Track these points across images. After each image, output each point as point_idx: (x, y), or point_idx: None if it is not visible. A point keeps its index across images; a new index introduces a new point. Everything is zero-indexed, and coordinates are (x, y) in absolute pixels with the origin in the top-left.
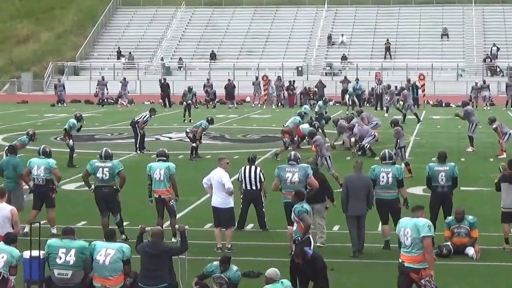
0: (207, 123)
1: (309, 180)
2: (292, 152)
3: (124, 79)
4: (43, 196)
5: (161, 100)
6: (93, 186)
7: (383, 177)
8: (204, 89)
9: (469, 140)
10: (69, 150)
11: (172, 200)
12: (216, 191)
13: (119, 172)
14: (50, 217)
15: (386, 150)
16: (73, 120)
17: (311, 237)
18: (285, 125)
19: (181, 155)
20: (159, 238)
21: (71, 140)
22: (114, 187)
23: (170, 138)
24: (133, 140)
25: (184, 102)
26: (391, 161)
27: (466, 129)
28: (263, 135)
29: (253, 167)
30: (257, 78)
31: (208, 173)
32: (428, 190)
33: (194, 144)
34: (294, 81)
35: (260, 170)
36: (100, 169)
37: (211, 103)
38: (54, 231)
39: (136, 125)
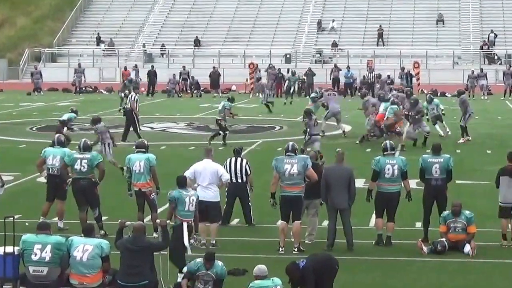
0: (229, 102)
1: (308, 172)
2: (290, 143)
3: (136, 66)
4: (57, 187)
5: (143, 89)
6: (70, 179)
7: (388, 169)
8: (180, 77)
9: (462, 131)
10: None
11: (153, 194)
12: (206, 184)
13: (98, 164)
14: (59, 209)
15: (387, 141)
16: (73, 114)
17: None
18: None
19: (163, 146)
20: (141, 233)
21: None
22: (93, 180)
23: (152, 128)
24: (117, 130)
25: (122, 94)
26: (393, 152)
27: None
28: (249, 125)
29: (239, 159)
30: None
31: (191, 165)
32: (422, 183)
33: (225, 132)
34: (279, 69)
35: (246, 162)
36: (79, 161)
37: (188, 92)
38: (61, 224)
39: (132, 111)
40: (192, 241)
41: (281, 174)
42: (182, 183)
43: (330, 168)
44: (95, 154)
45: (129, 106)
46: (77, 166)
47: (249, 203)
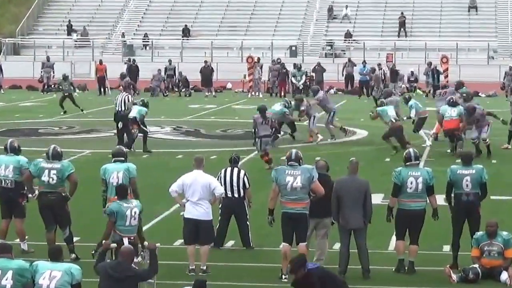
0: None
1: (313, 186)
2: (293, 151)
3: (130, 60)
4: (12, 202)
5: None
6: (36, 192)
7: (411, 183)
8: (165, 73)
9: (509, 136)
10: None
11: None
12: (196, 199)
13: (69, 175)
14: (19, 229)
15: (411, 149)
16: (144, 109)
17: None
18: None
19: (145, 154)
20: (127, 260)
21: (137, 130)
22: (63, 194)
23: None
24: (86, 136)
25: (62, 93)
26: (417, 162)
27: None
28: (248, 130)
29: (235, 170)
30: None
31: (178, 177)
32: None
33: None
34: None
35: (244, 174)
36: (46, 171)
37: (175, 90)
38: (24, 246)
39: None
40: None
41: (282, 187)
42: (122, 193)
43: (342, 181)
44: (66, 164)
45: (122, 109)
46: (44, 178)
47: (247, 222)
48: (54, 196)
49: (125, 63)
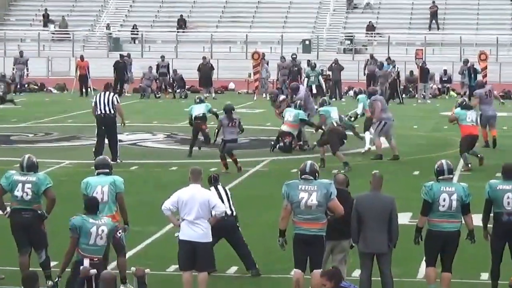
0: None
1: (332, 204)
2: (308, 162)
3: (128, 55)
4: None
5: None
6: (8, 209)
7: (444, 200)
8: (158, 71)
9: None
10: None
11: (120, 230)
12: (193, 218)
13: (46, 190)
14: None
15: (444, 161)
16: (207, 104)
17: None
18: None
19: (134, 166)
20: (110, 287)
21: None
22: (39, 212)
23: (120, 141)
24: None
25: None
26: (451, 176)
27: None
28: (252, 138)
29: (220, 189)
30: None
31: (172, 192)
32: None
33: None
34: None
35: (227, 192)
36: (20, 185)
37: (169, 91)
38: None
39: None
40: None
41: (295, 205)
42: (91, 207)
43: (364, 198)
44: (43, 177)
45: (110, 111)
46: (17, 193)
47: (244, 242)
48: (29, 214)
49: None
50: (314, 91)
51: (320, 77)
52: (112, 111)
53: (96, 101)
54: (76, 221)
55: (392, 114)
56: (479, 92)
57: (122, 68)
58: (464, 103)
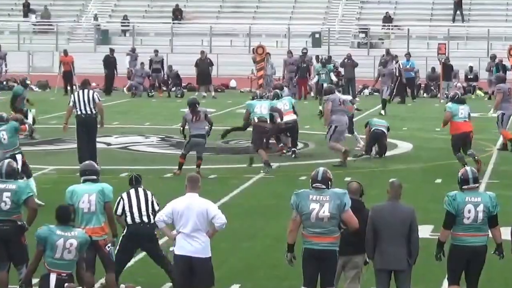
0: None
1: (346, 215)
2: (320, 170)
3: (133, 50)
4: None
5: (95, 84)
6: None
7: (469, 212)
8: (150, 67)
9: None
10: None
11: (109, 244)
12: (189, 231)
13: (27, 199)
14: None
15: (469, 168)
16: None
17: None
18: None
19: (124, 172)
20: None
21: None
22: (19, 223)
23: (108, 144)
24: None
25: None
26: (477, 185)
27: None
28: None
29: (141, 191)
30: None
31: (167, 201)
32: None
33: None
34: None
35: (153, 195)
36: None
37: (163, 89)
38: None
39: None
40: None
41: (305, 216)
42: (62, 217)
43: (380, 209)
44: (23, 185)
45: (90, 111)
46: None
47: (162, 252)
48: (8, 226)
49: (128, 54)
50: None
51: (332, 74)
52: (94, 111)
53: (74, 100)
54: (42, 231)
55: (344, 117)
56: (504, 87)
57: (112, 63)
58: (457, 96)
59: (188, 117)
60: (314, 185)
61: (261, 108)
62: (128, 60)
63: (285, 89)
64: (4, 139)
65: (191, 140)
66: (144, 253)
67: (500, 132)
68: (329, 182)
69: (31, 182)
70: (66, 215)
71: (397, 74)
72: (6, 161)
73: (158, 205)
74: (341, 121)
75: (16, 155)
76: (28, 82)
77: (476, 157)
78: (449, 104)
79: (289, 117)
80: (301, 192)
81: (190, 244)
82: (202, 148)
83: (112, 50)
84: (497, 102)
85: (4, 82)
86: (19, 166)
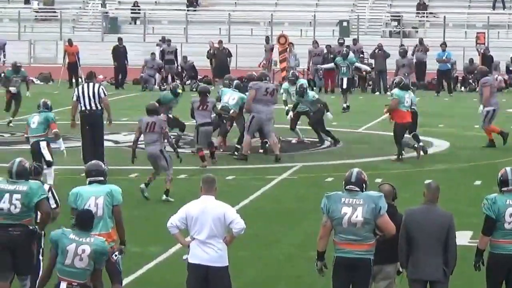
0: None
1: (381, 221)
2: (354, 170)
3: (164, 39)
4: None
5: (101, 76)
6: None
7: (510, 216)
8: (163, 58)
9: None
10: None
11: (116, 252)
12: (205, 237)
13: (39, 202)
14: None
15: (509, 169)
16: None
17: None
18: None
19: (134, 173)
20: None
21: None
22: (30, 228)
23: (117, 142)
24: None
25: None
26: None
27: None
28: (281, 139)
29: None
30: (268, 40)
31: (180, 205)
32: None
33: None
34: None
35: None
36: (7, 196)
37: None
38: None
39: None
40: None
41: (336, 221)
42: (83, 221)
43: (415, 214)
44: (36, 186)
45: (93, 106)
46: (3, 205)
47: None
48: (18, 231)
49: (158, 44)
50: (345, 85)
51: (358, 65)
52: (99, 107)
53: (78, 95)
54: (54, 234)
55: (269, 107)
56: (490, 80)
57: (122, 54)
58: (402, 83)
59: (195, 104)
60: (347, 187)
61: (228, 97)
62: (159, 50)
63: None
64: (34, 123)
65: (200, 129)
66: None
67: (484, 128)
68: (364, 184)
69: (50, 171)
70: (87, 221)
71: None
72: (17, 159)
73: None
74: (260, 111)
75: (41, 142)
76: (179, 90)
77: (415, 145)
78: (396, 91)
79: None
80: (333, 195)
81: (205, 252)
82: (207, 135)
83: (120, 40)
84: (486, 97)
85: (1, 74)
86: (43, 151)
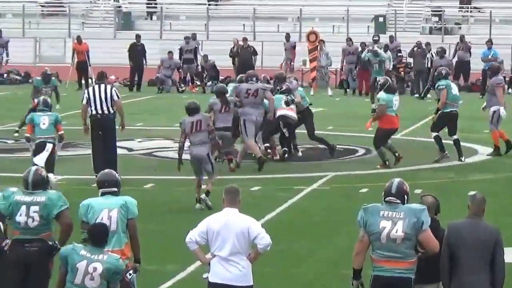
0: None
1: (423, 236)
2: (394, 181)
3: (191, 37)
4: None
5: (113, 77)
6: (8, 241)
7: None
8: (180, 57)
9: None
10: None
11: (130, 271)
12: (227, 254)
13: (59, 214)
14: None
15: None
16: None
17: None
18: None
19: (149, 183)
20: None
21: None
22: (50, 243)
23: (130, 150)
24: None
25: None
26: None
27: None
28: (309, 146)
29: None
30: (288, 37)
31: (200, 219)
32: None
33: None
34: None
35: None
36: (23, 208)
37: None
38: None
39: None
40: None
41: (374, 237)
42: (96, 236)
43: (459, 228)
44: (55, 196)
45: (105, 110)
46: (20, 218)
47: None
48: (35, 247)
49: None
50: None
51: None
52: (111, 110)
53: (88, 97)
54: (64, 249)
55: (258, 109)
56: (502, 80)
57: (140, 53)
58: (388, 84)
59: (217, 107)
60: (386, 198)
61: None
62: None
63: (293, 81)
64: (44, 123)
65: (222, 135)
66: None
67: (494, 132)
68: (405, 196)
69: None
70: (101, 236)
71: (429, 66)
72: (33, 168)
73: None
74: (248, 113)
75: (48, 143)
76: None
77: (397, 153)
78: (383, 94)
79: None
80: (371, 207)
81: (228, 270)
82: (229, 141)
83: (138, 37)
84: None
85: (5, 75)
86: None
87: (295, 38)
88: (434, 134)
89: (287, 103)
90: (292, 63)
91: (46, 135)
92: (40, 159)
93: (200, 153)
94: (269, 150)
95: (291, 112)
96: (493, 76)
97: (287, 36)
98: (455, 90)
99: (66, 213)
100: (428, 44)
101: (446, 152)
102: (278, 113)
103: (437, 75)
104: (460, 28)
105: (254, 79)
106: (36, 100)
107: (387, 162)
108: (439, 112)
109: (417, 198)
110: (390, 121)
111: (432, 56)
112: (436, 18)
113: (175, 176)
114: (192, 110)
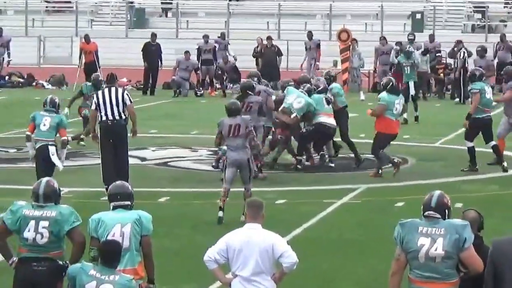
0: None
1: (465, 254)
2: (435, 194)
3: (207, 37)
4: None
5: (125, 79)
6: (15, 259)
7: None
8: (198, 58)
9: None
10: None
11: None
12: (249, 274)
13: (71, 231)
14: None
15: None
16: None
17: None
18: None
19: (164, 196)
20: None
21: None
22: (60, 263)
23: (144, 159)
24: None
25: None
26: None
27: None
28: (342, 155)
29: None
30: (311, 36)
31: (219, 236)
32: None
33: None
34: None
35: None
36: (32, 223)
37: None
38: None
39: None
40: None
41: (412, 255)
42: (108, 254)
43: (504, 245)
44: (67, 211)
45: (116, 115)
46: (28, 234)
47: None
48: (44, 266)
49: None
50: (412, 91)
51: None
52: (123, 116)
53: (98, 102)
54: (72, 269)
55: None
56: None
57: (155, 53)
58: (391, 84)
59: (253, 102)
60: (425, 213)
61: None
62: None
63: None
64: (44, 125)
65: None
66: None
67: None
68: (446, 211)
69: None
70: (114, 254)
71: (458, 66)
72: (44, 179)
73: None
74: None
75: (49, 146)
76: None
77: (395, 160)
78: (384, 95)
79: None
80: (408, 223)
81: None
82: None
83: (154, 35)
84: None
85: (6, 77)
86: (52, 158)
87: (325, 37)
88: (469, 144)
89: (328, 102)
90: (317, 63)
91: (44, 138)
92: (59, 162)
93: (239, 157)
94: (303, 161)
95: (330, 119)
96: (509, 81)
97: (309, 34)
98: (489, 94)
99: (78, 230)
100: (459, 42)
101: (477, 168)
102: (317, 119)
103: (471, 76)
104: (505, 25)
105: (256, 79)
106: (83, 111)
107: (380, 171)
108: (470, 117)
109: (459, 213)
110: (389, 126)
111: (462, 55)
112: (479, 15)
113: (192, 188)
114: (232, 111)
